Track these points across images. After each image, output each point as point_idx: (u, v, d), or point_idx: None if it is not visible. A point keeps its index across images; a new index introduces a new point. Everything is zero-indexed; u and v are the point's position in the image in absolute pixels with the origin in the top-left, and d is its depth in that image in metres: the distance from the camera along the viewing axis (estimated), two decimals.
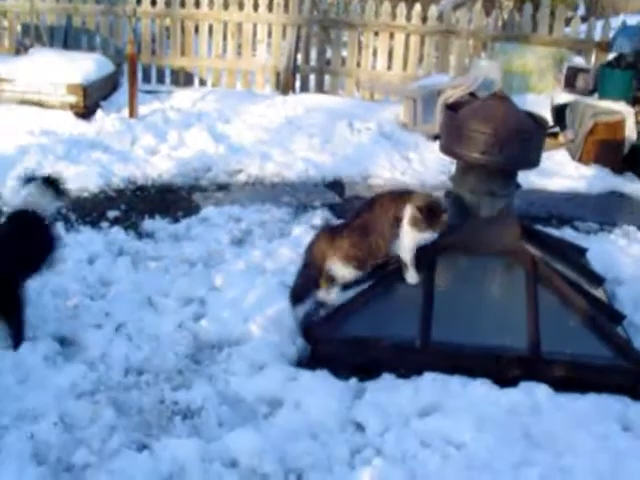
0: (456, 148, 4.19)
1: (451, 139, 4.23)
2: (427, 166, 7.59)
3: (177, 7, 10.70)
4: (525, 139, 4.11)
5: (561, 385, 3.82)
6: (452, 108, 4.38)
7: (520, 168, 4.30)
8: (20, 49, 10.19)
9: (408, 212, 3.91)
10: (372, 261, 4.06)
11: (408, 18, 10.34)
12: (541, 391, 3.74)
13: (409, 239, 3.97)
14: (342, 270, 4.04)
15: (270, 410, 3.57)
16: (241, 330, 4.17)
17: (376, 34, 10.53)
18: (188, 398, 3.58)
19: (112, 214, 5.94)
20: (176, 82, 10.88)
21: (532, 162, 4.22)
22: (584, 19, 11.36)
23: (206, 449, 3.22)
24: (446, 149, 4.31)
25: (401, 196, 4.02)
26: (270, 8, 10.53)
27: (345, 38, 10.85)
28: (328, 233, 4.17)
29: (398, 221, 3.95)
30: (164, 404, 3.56)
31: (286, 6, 10.54)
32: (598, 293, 4.64)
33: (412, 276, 4.06)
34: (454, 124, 4.23)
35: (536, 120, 4.33)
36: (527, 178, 6.51)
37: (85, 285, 4.63)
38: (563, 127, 8.65)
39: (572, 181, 7.64)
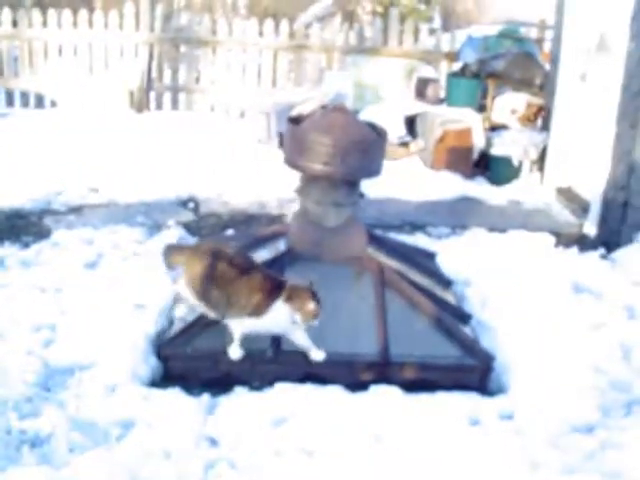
0: (299, 160, 4.25)
1: (294, 152, 4.29)
2: (281, 180, 7.64)
3: (25, 28, 10.45)
4: (365, 149, 4.21)
5: (411, 387, 3.92)
6: (294, 121, 4.44)
7: (362, 177, 4.40)
8: None
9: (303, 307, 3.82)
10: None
11: (261, 34, 10.43)
12: (390, 394, 3.82)
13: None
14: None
15: (123, 432, 3.52)
16: (93, 353, 4.09)
17: (229, 51, 10.57)
18: (36, 426, 3.49)
19: None
20: (26, 104, 10.63)
21: (374, 171, 4.33)
22: (432, 31, 11.68)
23: (55, 476, 3.14)
24: (290, 162, 4.37)
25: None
26: (121, 27, 10.43)
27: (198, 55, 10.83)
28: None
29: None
30: (11, 434, 3.46)
31: (137, 25, 10.45)
32: (447, 295, 4.80)
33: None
34: (296, 137, 4.29)
35: (376, 130, 4.45)
36: (380, 187, 6.69)
37: None
38: (415, 136, 8.89)
39: (425, 188, 7.82)
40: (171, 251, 4.24)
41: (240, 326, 3.91)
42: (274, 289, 3.84)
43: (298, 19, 12.06)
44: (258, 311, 3.83)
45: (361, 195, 4.45)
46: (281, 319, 3.84)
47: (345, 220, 4.36)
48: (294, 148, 4.30)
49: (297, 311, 3.79)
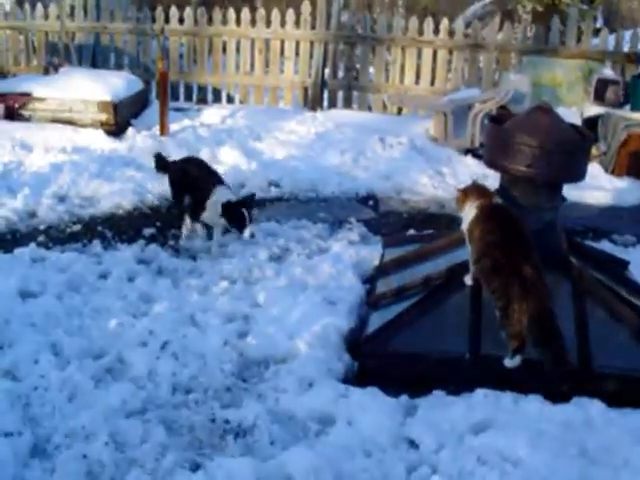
0: (501, 161, 4.16)
1: (496, 152, 4.21)
2: (460, 180, 7.55)
3: (205, 25, 10.72)
4: (571, 152, 4.08)
5: (613, 399, 3.76)
6: (496, 121, 4.35)
7: (566, 181, 4.27)
8: (49, 68, 10.20)
9: None
10: None
11: (435, 32, 10.32)
12: (594, 406, 3.67)
13: None
14: None
15: (322, 427, 3.53)
16: (287, 346, 4.14)
17: (403, 49, 10.50)
18: (239, 416, 3.55)
19: (148, 231, 5.93)
20: (204, 99, 10.90)
21: (578, 175, 4.20)
22: (597, 31, 11.29)
23: (261, 468, 3.17)
24: (491, 162, 4.29)
25: None
26: (297, 24, 10.53)
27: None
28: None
29: None
30: (215, 423, 3.53)
31: (313, 22, 10.53)
32: None
33: None
34: (499, 137, 4.21)
35: (580, 132, 4.30)
36: None
37: (127, 303, 4.62)
38: (595, 140, 8.59)
39: (606, 193, 7.58)
40: None
41: None
42: None
43: (458, 18, 11.91)
44: None
45: (563, 199, 4.31)
46: None
47: (546, 224, 4.22)
48: (496, 148, 4.21)
49: None
